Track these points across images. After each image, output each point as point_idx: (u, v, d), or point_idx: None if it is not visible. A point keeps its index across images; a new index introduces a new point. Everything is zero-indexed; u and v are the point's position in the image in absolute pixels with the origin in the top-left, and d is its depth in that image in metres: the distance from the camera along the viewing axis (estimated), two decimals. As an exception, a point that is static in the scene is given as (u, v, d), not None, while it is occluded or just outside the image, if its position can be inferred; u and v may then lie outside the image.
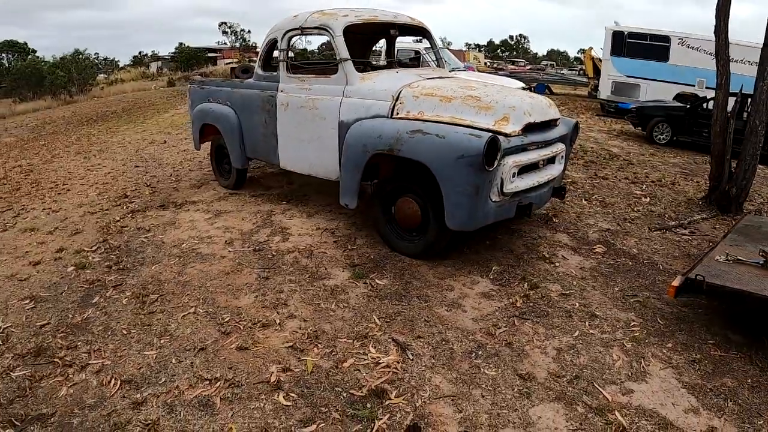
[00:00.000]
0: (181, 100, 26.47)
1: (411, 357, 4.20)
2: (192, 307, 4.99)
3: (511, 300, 5.16)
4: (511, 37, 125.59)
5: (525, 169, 5.55)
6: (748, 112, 8.57)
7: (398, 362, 4.12)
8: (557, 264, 6.01)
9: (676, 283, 4.58)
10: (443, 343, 4.42)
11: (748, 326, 4.74)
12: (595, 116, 20.58)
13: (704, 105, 14.64)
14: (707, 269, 4.70)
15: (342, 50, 6.41)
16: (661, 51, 20.84)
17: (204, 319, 4.78)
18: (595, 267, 6.00)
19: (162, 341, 4.45)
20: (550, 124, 6.05)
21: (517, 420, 3.58)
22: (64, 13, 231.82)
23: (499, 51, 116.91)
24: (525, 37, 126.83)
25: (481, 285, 5.45)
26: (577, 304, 5.15)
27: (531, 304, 5.11)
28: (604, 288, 5.51)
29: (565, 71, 60.22)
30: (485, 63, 44.06)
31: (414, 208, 5.76)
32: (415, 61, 14.64)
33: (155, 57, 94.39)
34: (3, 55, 66.15)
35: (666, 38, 20.75)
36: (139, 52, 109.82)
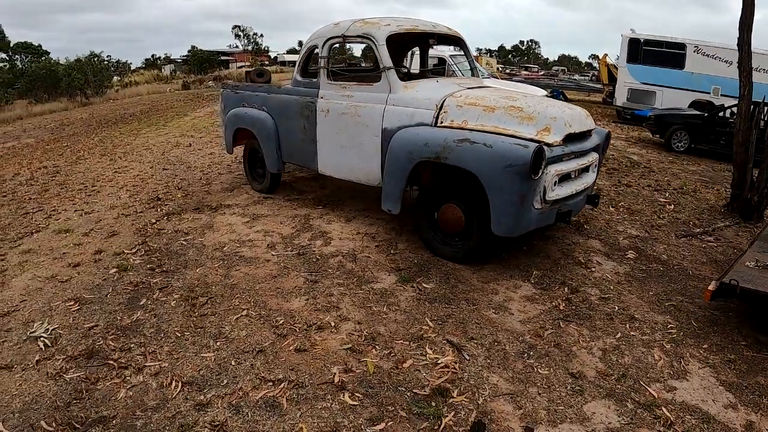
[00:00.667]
0: (198, 103, 26.62)
1: (467, 357, 4.34)
2: (244, 309, 5.10)
3: (554, 303, 5.31)
4: (522, 42, 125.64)
5: (564, 178, 5.70)
6: (765, 121, 8.69)
7: (455, 362, 4.26)
8: (593, 269, 6.16)
9: (711, 287, 4.81)
10: (495, 344, 4.57)
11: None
12: (611, 123, 20.66)
13: (722, 113, 14.73)
14: (739, 274, 4.91)
15: (385, 59, 6.54)
16: (676, 58, 20.87)
17: (258, 322, 4.89)
18: (629, 272, 6.16)
19: (218, 343, 4.54)
20: (586, 134, 6.19)
21: (573, 415, 3.75)
22: (76, 15, 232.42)
23: (510, 56, 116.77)
24: (536, 42, 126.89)
25: (524, 289, 5.60)
26: (617, 307, 5.32)
27: (573, 307, 5.27)
28: (639, 292, 5.68)
29: (576, 77, 60.27)
30: (498, 68, 44.05)
31: (458, 214, 5.90)
32: (440, 68, 14.76)
33: (168, 60, 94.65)
34: (17, 56, 66.51)
35: (682, 46, 20.79)
36: (152, 55, 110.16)
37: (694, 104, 18.87)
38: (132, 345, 4.55)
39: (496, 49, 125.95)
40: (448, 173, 6.01)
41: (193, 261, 6.26)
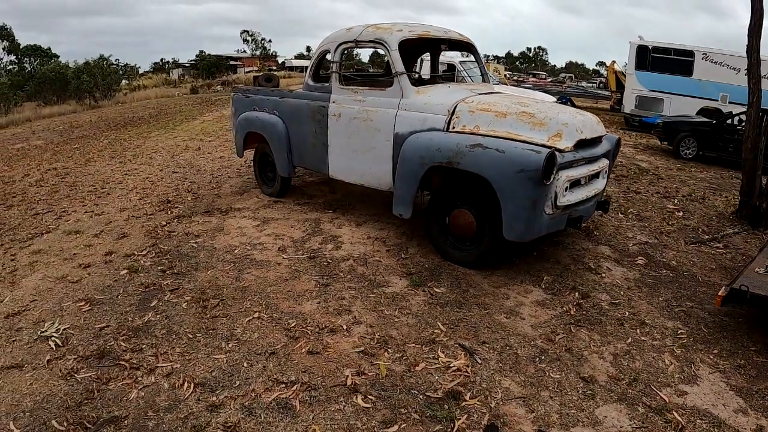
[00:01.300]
0: (207, 107, 26.66)
1: (479, 361, 4.37)
2: (255, 312, 5.12)
3: (564, 308, 5.34)
4: (529, 48, 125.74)
5: (575, 184, 5.73)
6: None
7: (468, 366, 4.29)
8: (603, 275, 6.18)
9: (722, 293, 4.87)
10: (507, 348, 4.59)
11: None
12: (619, 130, 20.67)
13: (730, 120, 14.73)
14: (749, 280, 4.97)
15: (398, 64, 6.58)
16: (684, 66, 20.85)
17: (270, 324, 4.91)
18: (639, 278, 6.18)
19: (230, 345, 4.57)
20: (597, 141, 6.21)
21: (585, 419, 3.77)
22: (85, 19, 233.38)
23: (517, 63, 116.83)
24: (543, 49, 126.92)
25: (535, 294, 5.62)
26: (627, 312, 5.34)
27: (584, 312, 5.29)
28: (649, 298, 5.70)
29: (584, 83, 60.24)
30: (505, 75, 44.02)
31: (469, 219, 5.93)
32: (450, 73, 14.80)
33: (176, 64, 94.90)
34: (26, 59, 66.67)
35: (690, 53, 20.78)
36: (161, 59, 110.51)
37: (702, 111, 18.86)
38: (143, 346, 4.58)
39: (504, 55, 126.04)
40: (459, 178, 6.04)
41: (204, 263, 6.29)
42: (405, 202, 6.35)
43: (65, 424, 3.62)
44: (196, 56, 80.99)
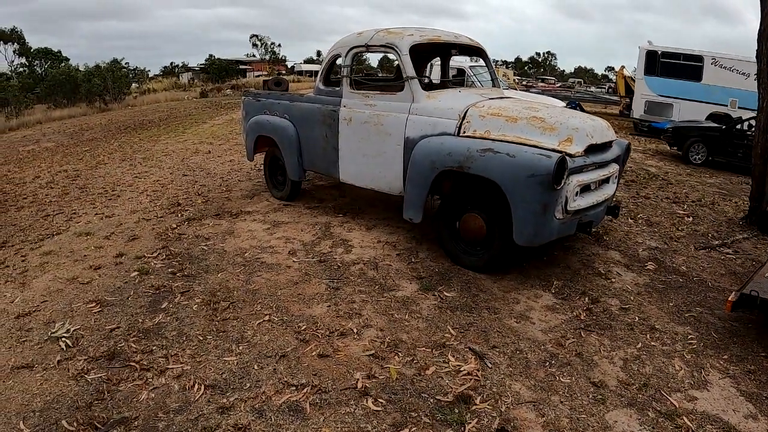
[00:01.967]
0: (217, 111, 26.77)
1: (489, 365, 4.37)
2: (266, 315, 5.14)
3: (574, 313, 5.34)
4: (538, 53, 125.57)
5: (585, 188, 5.73)
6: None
7: (478, 370, 4.29)
8: (613, 280, 6.18)
9: (732, 298, 4.88)
10: (518, 352, 4.59)
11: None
12: (628, 135, 20.62)
13: (739, 125, 14.70)
14: (759, 285, 4.96)
15: (409, 68, 6.60)
16: (694, 71, 20.81)
17: (280, 327, 4.92)
18: (649, 283, 6.17)
19: (240, 348, 4.58)
20: (607, 145, 6.21)
21: (595, 424, 3.76)
22: (95, 23, 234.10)
23: (526, 68, 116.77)
24: (552, 54, 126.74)
25: (545, 298, 5.62)
26: (637, 317, 5.33)
27: (594, 317, 5.28)
28: (659, 303, 5.69)
29: (593, 89, 60.17)
30: (514, 80, 44.01)
31: (479, 224, 5.94)
32: (459, 78, 14.82)
33: (186, 68, 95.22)
34: (36, 62, 67.08)
35: (699, 58, 20.75)
36: (170, 63, 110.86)
37: (711, 117, 18.83)
38: (154, 347, 4.59)
39: (513, 60, 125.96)
40: (470, 183, 6.05)
41: (215, 266, 6.31)
42: (415, 206, 6.36)
43: (75, 424, 3.63)
44: (206, 60, 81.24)
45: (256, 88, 30.64)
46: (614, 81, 42.20)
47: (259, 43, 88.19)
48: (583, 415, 3.84)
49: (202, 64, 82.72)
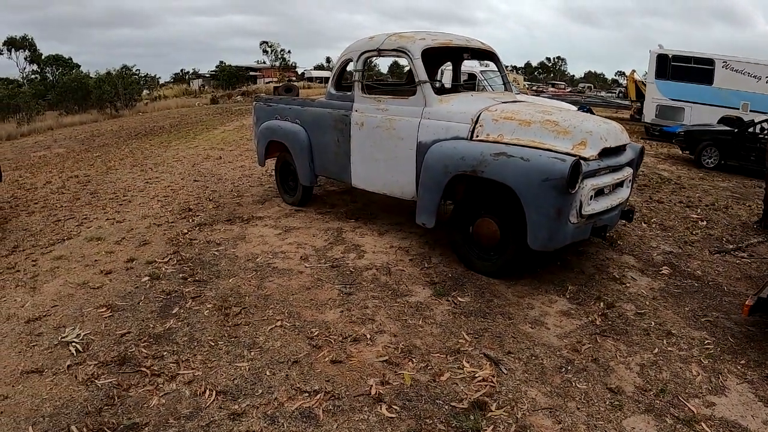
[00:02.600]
0: (227, 117, 26.83)
1: (505, 371, 4.33)
2: (278, 320, 5.11)
3: (590, 318, 5.28)
4: (548, 59, 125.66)
5: (599, 192, 5.68)
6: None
7: (493, 376, 4.24)
8: (628, 284, 6.13)
9: (749, 302, 4.83)
10: (533, 358, 4.55)
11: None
12: (640, 139, 20.53)
13: (752, 129, 14.62)
14: None
15: (421, 73, 6.56)
16: (705, 74, 20.74)
17: (292, 333, 4.89)
18: (664, 288, 6.12)
19: (252, 353, 4.55)
20: (621, 149, 6.17)
21: (612, 430, 3.71)
22: (106, 30, 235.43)
23: (536, 73, 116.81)
24: (562, 59, 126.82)
25: (560, 303, 5.58)
26: (653, 322, 5.27)
27: (610, 322, 5.23)
28: (675, 308, 5.63)
29: (603, 93, 60.10)
30: (525, 85, 43.98)
31: (493, 228, 5.89)
32: (471, 83, 14.79)
33: (196, 74, 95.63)
34: (48, 68, 67.52)
35: (710, 61, 20.67)
36: (181, 70, 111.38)
37: (723, 120, 18.73)
38: (165, 353, 4.57)
39: (523, 66, 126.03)
40: (483, 187, 6.01)
41: (226, 271, 6.29)
42: (428, 211, 6.32)
43: (85, 429, 3.61)
44: (217, 67, 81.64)
45: (266, 94, 30.75)
46: (624, 85, 42.11)
47: (269, 49, 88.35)
48: (600, 422, 3.79)
49: (213, 71, 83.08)
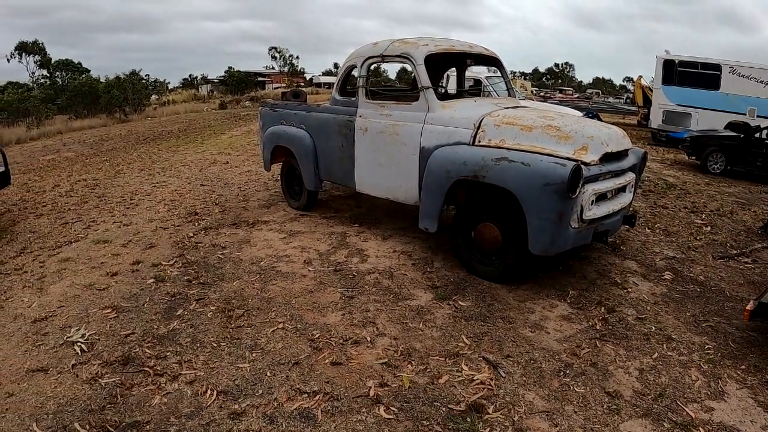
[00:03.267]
0: (235, 122, 26.94)
1: (503, 374, 4.36)
2: (280, 322, 5.16)
3: (590, 323, 5.30)
4: (556, 65, 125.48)
5: (601, 197, 5.71)
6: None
7: (491, 379, 4.28)
8: (629, 289, 6.14)
9: (750, 307, 4.84)
10: (532, 362, 4.58)
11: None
12: (646, 145, 20.52)
13: (758, 134, 14.59)
14: None
15: (424, 78, 6.61)
16: (712, 79, 20.68)
17: (293, 335, 4.94)
18: (666, 293, 6.13)
19: (254, 355, 4.60)
20: (623, 154, 6.20)
21: (609, 435, 3.74)
22: (115, 35, 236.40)
23: (544, 79, 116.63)
24: (570, 65, 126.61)
25: (560, 308, 5.60)
26: (653, 327, 5.29)
27: (610, 327, 5.25)
28: (676, 313, 5.64)
29: (611, 99, 59.99)
30: (532, 91, 44.00)
31: (494, 233, 5.93)
32: (476, 89, 14.82)
33: (205, 80, 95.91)
34: (57, 73, 67.86)
35: (717, 66, 20.61)
36: (189, 75, 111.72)
37: (729, 125, 18.70)
38: (168, 353, 4.64)
39: (531, 71, 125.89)
40: (485, 192, 6.05)
41: (230, 274, 6.35)
42: (431, 215, 6.37)
43: (88, 427, 3.67)
44: (225, 72, 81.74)
45: (274, 99, 30.88)
46: (632, 91, 42.03)
47: (277, 55, 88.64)
48: (597, 426, 3.82)
49: (222, 76, 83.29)
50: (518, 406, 3.98)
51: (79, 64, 69.96)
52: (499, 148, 5.75)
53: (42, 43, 70.01)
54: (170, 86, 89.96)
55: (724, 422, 3.91)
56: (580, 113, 13.86)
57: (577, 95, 66.94)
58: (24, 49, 68.77)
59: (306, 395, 4.06)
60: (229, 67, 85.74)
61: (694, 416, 3.95)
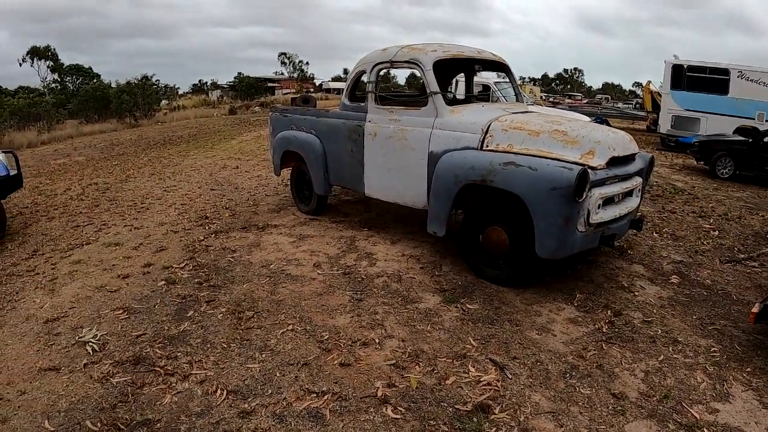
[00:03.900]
0: (245, 127, 27.04)
1: (509, 376, 4.41)
2: (289, 324, 5.23)
3: (596, 326, 5.34)
4: (566, 70, 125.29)
5: (608, 201, 5.75)
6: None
7: (498, 380, 4.33)
8: (636, 293, 6.17)
9: (755, 309, 4.88)
10: (538, 363, 4.62)
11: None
12: (655, 150, 20.50)
13: (766, 138, 14.55)
14: None
15: (432, 84, 6.68)
16: (720, 84, 20.63)
17: (303, 336, 5.01)
18: (673, 296, 6.16)
19: (263, 356, 4.67)
20: (630, 158, 6.24)
21: (614, 435, 3.78)
22: (125, 41, 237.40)
23: (553, 84, 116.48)
24: (579, 71, 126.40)
25: (567, 311, 5.64)
26: (660, 330, 5.31)
27: (616, 329, 5.28)
28: (683, 316, 5.67)
29: (620, 105, 59.88)
30: (541, 97, 44.00)
31: (502, 237, 5.98)
32: (485, 94, 14.86)
33: (215, 85, 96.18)
34: (68, 78, 68.22)
35: (725, 71, 20.56)
36: (200, 80, 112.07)
37: (739, 130, 18.65)
38: (179, 354, 4.72)
39: (540, 77, 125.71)
40: (492, 196, 6.11)
41: (240, 277, 6.43)
42: (439, 219, 6.43)
43: (99, 424, 3.75)
44: (235, 78, 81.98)
45: (284, 105, 30.96)
46: (641, 96, 41.99)
47: (287, 60, 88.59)
48: (603, 426, 3.86)
49: (232, 82, 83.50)
50: (524, 407, 4.03)
51: (90, 69, 70.40)
52: (507, 152, 5.81)
53: (54, 49, 70.52)
54: (180, 92, 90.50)
55: (728, 423, 3.93)
56: (588, 118, 13.89)
57: (586, 101, 66.86)
58: (36, 53, 69.21)
59: (315, 395, 4.12)
60: (239, 73, 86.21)
61: (699, 417, 3.98)
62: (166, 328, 5.20)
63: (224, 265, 6.83)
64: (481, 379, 4.34)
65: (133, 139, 24.31)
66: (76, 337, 5.00)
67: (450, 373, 4.43)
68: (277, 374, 4.40)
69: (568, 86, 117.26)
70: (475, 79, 16.52)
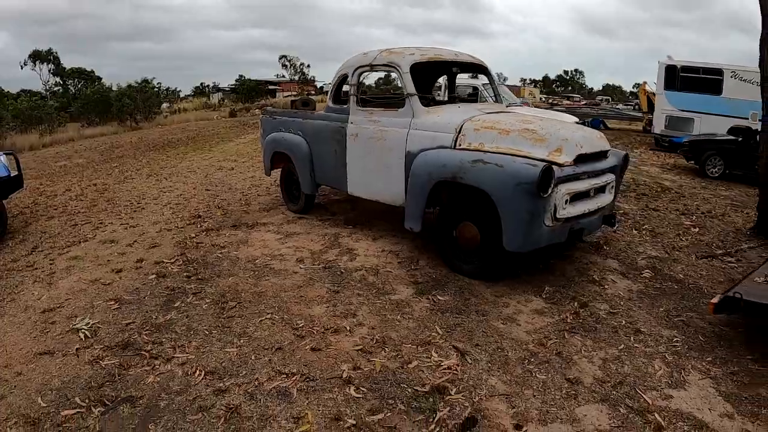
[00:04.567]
0: (243, 130, 27.20)
1: (470, 361, 4.65)
2: (268, 313, 5.53)
3: (562, 316, 5.55)
4: (566, 72, 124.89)
5: (577, 197, 5.96)
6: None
7: (458, 365, 4.57)
8: (606, 286, 6.37)
9: (715, 300, 5.03)
10: (499, 350, 4.86)
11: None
12: (648, 150, 20.59)
13: (757, 137, 14.63)
14: (746, 289, 5.10)
15: (409, 86, 6.94)
16: (713, 84, 20.61)
17: (280, 324, 5.31)
18: (642, 290, 6.34)
19: (241, 341, 5.00)
20: (600, 156, 6.46)
21: (564, 417, 3.99)
22: (127, 43, 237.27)
23: (554, 86, 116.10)
24: (580, 72, 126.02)
25: (535, 303, 5.86)
26: (624, 321, 5.51)
27: (580, 320, 5.49)
28: (649, 308, 5.86)
29: (620, 106, 59.76)
30: (540, 98, 44.12)
31: (474, 232, 6.22)
32: (474, 96, 15.08)
33: (216, 88, 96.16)
34: (70, 81, 68.39)
35: (719, 71, 20.56)
36: (201, 83, 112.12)
37: (732, 130, 18.73)
38: (164, 339, 5.07)
39: (540, 79, 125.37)
40: (464, 193, 6.35)
41: (227, 271, 6.72)
42: (415, 216, 6.69)
43: (87, 401, 4.12)
44: (236, 80, 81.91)
45: (283, 107, 31.02)
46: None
47: (288, 63, 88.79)
48: (554, 408, 4.07)
49: (233, 85, 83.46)
50: (479, 389, 4.27)
51: (92, 72, 70.57)
52: (477, 150, 6.05)
53: (56, 52, 70.74)
54: (181, 94, 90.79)
55: (680, 409, 4.10)
56: (575, 119, 14.06)
57: (584, 102, 66.76)
58: (38, 57, 69.48)
59: (285, 376, 4.43)
60: (240, 76, 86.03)
61: (651, 402, 4.15)
62: (154, 317, 5.53)
63: (212, 260, 7.12)
64: (442, 364, 4.58)
65: (133, 142, 24.47)
66: (70, 325, 5.35)
67: (413, 358, 4.68)
68: (252, 357, 4.72)
69: (569, 88, 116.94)
70: (466, 81, 16.81)
